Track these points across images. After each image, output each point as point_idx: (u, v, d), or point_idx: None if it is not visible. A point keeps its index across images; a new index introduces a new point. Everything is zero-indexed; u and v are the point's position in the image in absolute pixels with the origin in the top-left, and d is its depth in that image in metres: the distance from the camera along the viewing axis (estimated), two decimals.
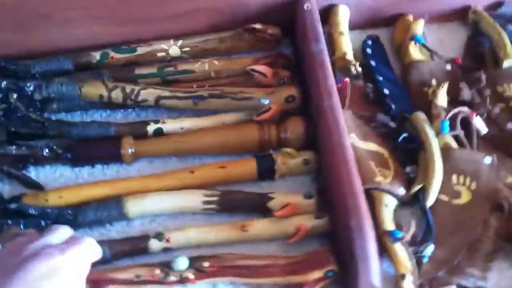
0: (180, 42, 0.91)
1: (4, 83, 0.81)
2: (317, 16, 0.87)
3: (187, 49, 0.91)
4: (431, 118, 0.81)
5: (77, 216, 0.72)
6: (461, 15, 0.99)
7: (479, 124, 0.81)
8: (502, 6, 0.98)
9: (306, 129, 0.80)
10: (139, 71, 0.87)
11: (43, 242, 0.54)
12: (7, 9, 0.81)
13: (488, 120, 0.82)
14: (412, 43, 0.91)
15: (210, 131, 0.81)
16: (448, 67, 0.90)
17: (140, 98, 0.83)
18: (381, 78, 0.86)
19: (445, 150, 0.77)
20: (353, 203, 0.66)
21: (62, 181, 0.79)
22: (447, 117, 0.79)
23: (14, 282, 0.49)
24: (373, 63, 0.89)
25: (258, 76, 0.85)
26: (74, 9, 0.85)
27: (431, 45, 0.93)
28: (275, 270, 0.68)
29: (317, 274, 0.67)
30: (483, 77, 0.86)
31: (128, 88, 0.83)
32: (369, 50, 0.91)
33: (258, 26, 0.90)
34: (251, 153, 0.80)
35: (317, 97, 0.77)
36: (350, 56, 0.87)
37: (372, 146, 0.79)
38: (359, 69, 0.85)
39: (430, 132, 0.78)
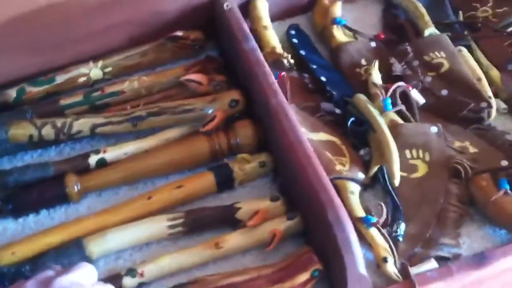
0: (100, 63, 0.86)
1: None
2: (239, 14, 0.85)
3: (109, 69, 0.86)
4: (370, 97, 0.82)
5: (36, 269, 0.66)
6: None
7: (417, 96, 0.82)
8: None
9: (256, 131, 0.78)
10: (64, 101, 0.82)
11: (70, 279, 0.52)
12: None
13: (423, 90, 0.84)
14: (335, 26, 0.92)
15: (157, 151, 0.77)
16: (373, 44, 0.91)
17: (74, 131, 0.77)
18: (315, 66, 0.86)
19: (393, 127, 0.77)
20: (326, 196, 0.65)
21: (8, 236, 0.72)
22: (388, 95, 0.81)
23: None
24: (303, 52, 0.88)
25: (193, 85, 0.82)
26: None
27: (349, 25, 0.93)
28: (261, 282, 0.65)
29: (304, 277, 0.65)
30: (409, 49, 0.88)
31: (59, 122, 0.77)
32: (295, 40, 0.91)
33: (179, 33, 0.87)
34: (204, 166, 0.77)
35: (261, 97, 0.76)
36: (279, 49, 0.86)
37: (323, 136, 0.78)
38: (292, 61, 0.84)
39: (374, 111, 0.78)
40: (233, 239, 0.69)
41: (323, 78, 0.84)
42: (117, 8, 0.82)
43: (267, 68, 0.78)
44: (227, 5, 0.86)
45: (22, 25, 0.77)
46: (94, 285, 0.55)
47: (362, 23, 0.96)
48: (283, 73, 0.83)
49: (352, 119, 0.79)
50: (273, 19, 0.93)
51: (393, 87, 0.81)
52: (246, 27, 0.83)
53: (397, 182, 0.72)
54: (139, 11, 0.84)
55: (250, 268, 0.68)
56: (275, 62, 0.84)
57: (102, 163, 0.76)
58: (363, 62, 0.89)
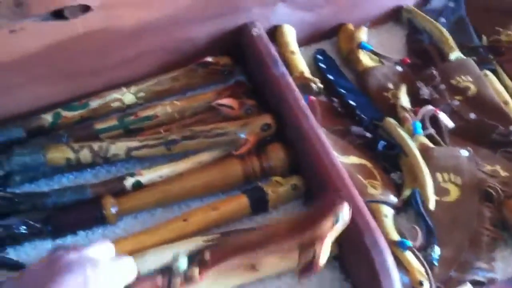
0: (133, 88, 0.87)
1: None
2: (267, 40, 0.87)
3: (142, 94, 0.88)
4: (399, 121, 0.83)
5: None
6: (394, 15, 1.03)
7: (445, 119, 0.84)
8: (431, 1, 1.02)
9: (287, 155, 0.79)
10: (98, 125, 0.83)
11: (79, 254, 0.52)
12: None
13: (451, 114, 0.85)
14: (360, 51, 0.93)
15: (191, 174, 0.78)
16: (399, 68, 0.93)
17: (110, 154, 0.78)
18: (343, 91, 0.87)
19: (424, 151, 0.79)
20: (362, 220, 0.66)
21: None
22: (418, 118, 0.82)
23: None
24: (330, 76, 0.90)
25: (225, 109, 0.84)
26: (17, 72, 0.79)
27: (374, 49, 0.95)
28: (281, 234, 0.61)
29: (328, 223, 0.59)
30: (436, 73, 0.89)
31: (96, 145, 0.78)
32: (322, 65, 0.93)
33: (209, 59, 0.89)
34: (237, 188, 0.79)
35: (293, 121, 0.77)
36: (307, 73, 0.88)
37: (354, 159, 0.79)
38: (321, 85, 0.86)
39: (405, 135, 0.80)
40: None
41: (352, 102, 0.85)
42: (150, 36, 0.84)
43: (297, 92, 0.79)
44: (255, 31, 0.88)
45: (59, 52, 0.79)
46: (111, 260, 0.54)
47: (386, 48, 0.98)
48: (312, 97, 0.84)
49: (383, 143, 0.80)
50: (299, 44, 0.95)
51: (422, 110, 0.82)
52: (274, 52, 0.85)
53: (432, 206, 0.73)
54: (171, 38, 0.86)
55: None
56: (304, 86, 0.86)
57: (138, 186, 0.77)
58: (390, 86, 0.90)
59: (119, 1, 0.77)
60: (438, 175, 0.77)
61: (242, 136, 0.79)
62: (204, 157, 0.80)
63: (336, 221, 0.59)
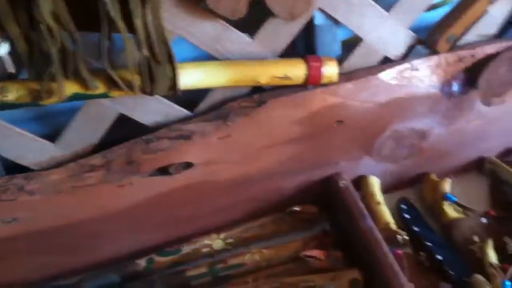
0: (223, 235, 0.91)
1: None
2: (354, 192, 0.90)
3: (231, 240, 0.91)
4: (487, 277, 0.83)
5: None
6: (477, 165, 1.05)
7: None
8: None
9: None
10: (190, 272, 0.86)
11: None
12: (52, 234, 0.80)
13: None
14: (445, 202, 0.95)
15: None
16: (484, 220, 0.93)
17: None
18: (430, 244, 0.88)
19: None
20: None
21: None
22: (507, 277, 0.81)
23: None
24: (416, 229, 0.91)
25: (312, 261, 0.85)
26: (120, 221, 0.84)
27: (458, 200, 0.96)
28: None
29: None
30: None
31: None
32: (407, 216, 0.94)
33: (297, 208, 0.92)
34: None
35: (382, 278, 0.78)
36: (393, 225, 0.89)
37: None
38: (406, 237, 0.87)
39: None
40: None
41: (439, 257, 0.86)
42: (244, 188, 0.88)
43: (386, 247, 0.80)
44: (343, 183, 0.91)
45: (159, 203, 0.84)
46: None
47: (469, 198, 0.99)
48: (400, 251, 0.85)
49: None
50: (383, 191, 0.97)
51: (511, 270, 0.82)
52: (362, 205, 0.87)
53: None
54: (262, 189, 0.90)
55: None
56: (390, 238, 0.87)
57: None
58: (475, 239, 0.90)
59: (219, 158, 0.82)
60: None
61: None
62: None
63: None
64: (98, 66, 0.68)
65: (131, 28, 0.62)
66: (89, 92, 0.69)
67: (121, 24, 0.61)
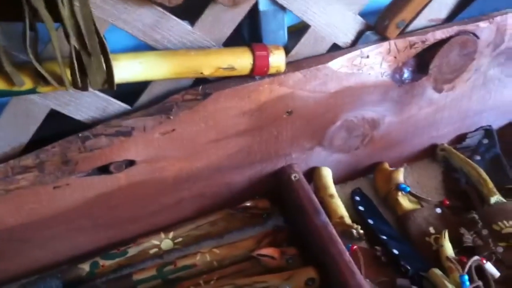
0: (171, 234, 0.87)
1: None
2: (307, 186, 0.87)
3: (180, 239, 0.87)
4: (444, 271, 0.81)
5: None
6: (430, 153, 1.03)
7: (491, 269, 0.81)
8: (466, 139, 1.03)
9: None
10: (137, 276, 0.82)
11: None
12: None
13: (496, 262, 0.83)
14: (399, 192, 0.93)
15: None
16: (438, 210, 0.92)
17: None
18: (385, 237, 0.86)
19: None
20: None
21: None
22: (465, 271, 0.79)
23: None
24: (371, 221, 0.89)
25: (266, 260, 0.82)
26: (57, 224, 0.79)
27: (410, 187, 0.94)
28: None
29: None
30: (477, 217, 0.88)
31: None
32: (361, 208, 0.92)
33: (249, 203, 0.89)
34: None
35: (338, 276, 0.75)
36: (347, 219, 0.87)
37: None
38: (361, 231, 0.84)
39: None
40: None
41: (395, 251, 0.83)
42: (191, 183, 0.84)
43: (342, 245, 0.78)
44: (294, 176, 0.88)
45: (100, 204, 0.79)
46: None
47: (422, 185, 0.99)
48: (355, 246, 0.83)
49: None
50: (335, 182, 0.94)
51: (469, 262, 0.80)
52: (315, 199, 0.84)
53: None
54: (210, 184, 0.86)
55: None
56: (344, 233, 0.85)
57: None
58: (431, 230, 0.89)
59: (163, 154, 0.78)
60: None
61: None
62: None
63: None
64: (24, 59, 0.62)
65: (57, 17, 0.57)
66: (15, 89, 0.63)
67: (44, 12, 0.55)
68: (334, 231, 0.80)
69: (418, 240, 0.88)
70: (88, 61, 0.62)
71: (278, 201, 0.92)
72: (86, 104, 0.73)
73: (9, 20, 0.57)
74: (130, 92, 0.76)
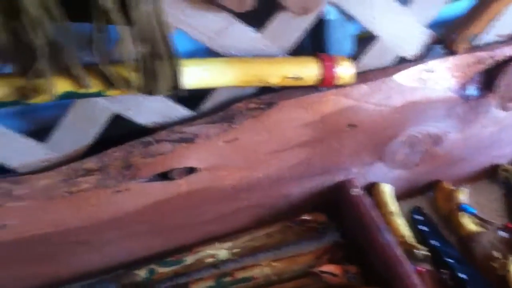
0: (227, 244, 0.85)
1: None
2: (368, 202, 0.84)
3: (236, 250, 0.86)
4: None
5: None
6: (490, 173, 0.99)
7: None
8: None
9: None
10: (194, 286, 0.81)
11: None
12: (31, 243, 0.74)
13: None
14: (462, 213, 0.89)
15: None
16: (502, 234, 0.88)
17: None
18: (452, 261, 0.82)
19: None
20: None
21: None
22: None
23: None
24: (436, 243, 0.85)
25: (327, 277, 0.79)
26: (114, 230, 0.78)
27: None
28: None
29: None
30: None
31: None
32: (423, 228, 0.89)
33: (306, 217, 0.87)
34: None
35: None
36: (410, 238, 0.84)
37: None
38: (427, 253, 0.81)
39: None
40: None
41: (463, 275, 0.80)
42: (249, 193, 0.83)
43: (409, 266, 0.74)
44: (354, 191, 0.85)
45: (158, 210, 0.79)
46: None
47: (480, 206, 0.94)
48: (420, 268, 0.80)
49: None
50: None
51: None
52: (378, 215, 0.82)
53: None
54: (268, 195, 0.85)
55: None
56: (407, 253, 0.81)
57: None
58: (495, 254, 0.85)
59: (225, 163, 0.77)
60: None
61: None
62: None
63: None
64: (91, 61, 0.62)
65: (128, 20, 0.56)
66: (82, 91, 0.63)
67: (117, 15, 0.55)
68: (399, 251, 0.77)
69: (482, 264, 0.84)
70: (157, 65, 0.61)
71: (335, 217, 0.90)
72: (149, 109, 0.72)
73: (79, 21, 0.57)
74: (191, 97, 0.75)
